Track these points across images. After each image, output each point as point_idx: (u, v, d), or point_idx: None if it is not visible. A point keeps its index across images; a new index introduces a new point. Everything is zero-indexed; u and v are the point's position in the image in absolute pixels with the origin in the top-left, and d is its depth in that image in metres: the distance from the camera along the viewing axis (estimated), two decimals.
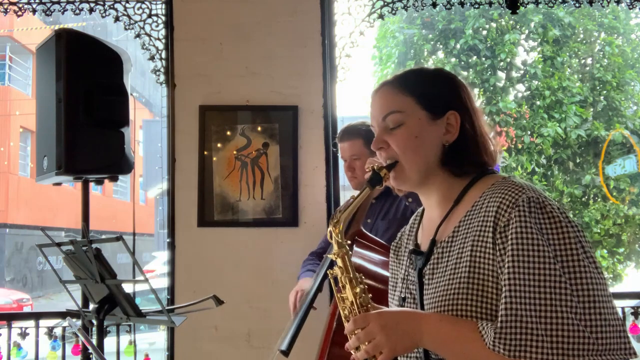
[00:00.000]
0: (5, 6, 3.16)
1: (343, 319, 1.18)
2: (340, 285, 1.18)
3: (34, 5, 3.17)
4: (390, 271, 1.37)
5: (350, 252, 1.19)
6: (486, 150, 1.20)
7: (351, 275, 1.16)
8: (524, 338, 0.95)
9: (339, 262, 1.17)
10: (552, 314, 0.95)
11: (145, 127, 18.00)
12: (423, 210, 1.30)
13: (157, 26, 3.15)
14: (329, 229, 1.19)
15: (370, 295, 1.17)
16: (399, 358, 1.19)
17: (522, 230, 1.01)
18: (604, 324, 0.94)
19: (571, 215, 1.05)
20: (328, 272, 1.23)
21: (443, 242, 1.16)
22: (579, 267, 0.98)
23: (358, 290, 1.15)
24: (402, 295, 1.23)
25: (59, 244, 1.89)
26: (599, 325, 0.94)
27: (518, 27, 10.62)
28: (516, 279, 0.99)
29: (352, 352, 1.13)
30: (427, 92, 1.20)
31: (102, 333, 1.89)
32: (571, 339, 0.93)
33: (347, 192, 3.04)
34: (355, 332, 1.10)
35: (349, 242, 1.21)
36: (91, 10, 3.15)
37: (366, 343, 1.07)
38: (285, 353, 2.11)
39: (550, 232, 1.01)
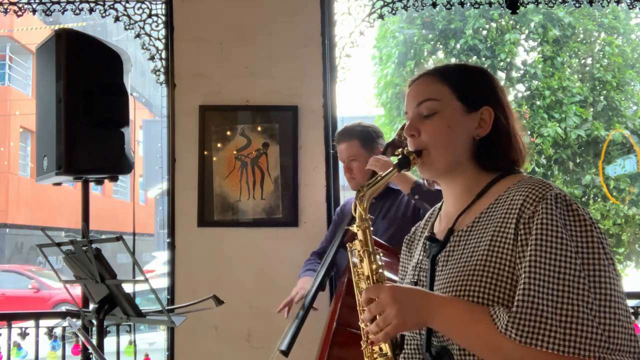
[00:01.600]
0: (5, 6, 3.16)
1: (357, 294, 1.20)
2: (358, 259, 1.19)
3: (34, 5, 3.17)
4: (400, 263, 1.38)
5: (372, 228, 1.20)
6: (517, 149, 1.22)
7: (370, 250, 1.18)
8: (537, 326, 0.96)
9: (360, 234, 1.18)
10: (568, 306, 0.96)
11: (145, 127, 17.99)
12: (441, 203, 1.32)
13: (157, 26, 3.15)
14: (354, 202, 1.20)
15: None
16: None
17: (547, 222, 1.02)
18: (617, 324, 0.95)
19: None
20: (348, 245, 1.24)
21: (461, 231, 1.16)
22: (599, 266, 0.99)
23: (375, 266, 1.16)
24: (414, 280, 1.23)
25: (59, 244, 1.89)
26: (612, 325, 0.95)
27: (518, 27, 10.62)
28: (536, 267, 0.99)
29: (364, 325, 1.14)
30: (465, 84, 1.21)
31: (102, 333, 1.89)
32: (584, 333, 0.94)
33: (347, 192, 3.06)
34: (368, 305, 1.10)
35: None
36: (91, 10, 3.15)
37: (377, 316, 1.07)
38: (285, 353, 2.12)
39: (575, 229, 1.02)
